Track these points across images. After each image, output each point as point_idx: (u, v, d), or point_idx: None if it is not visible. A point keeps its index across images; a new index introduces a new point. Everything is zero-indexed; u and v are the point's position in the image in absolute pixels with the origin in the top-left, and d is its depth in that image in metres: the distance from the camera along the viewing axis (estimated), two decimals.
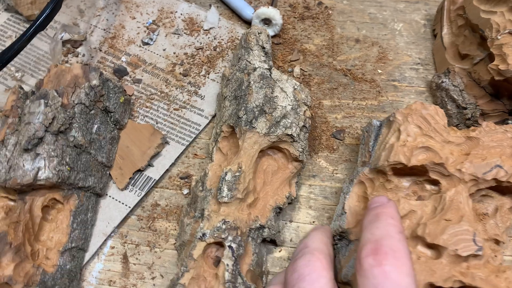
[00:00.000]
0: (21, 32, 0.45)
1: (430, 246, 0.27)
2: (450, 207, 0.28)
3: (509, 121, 0.35)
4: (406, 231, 0.28)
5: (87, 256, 0.34)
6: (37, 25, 0.36)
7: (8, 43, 0.44)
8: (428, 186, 0.30)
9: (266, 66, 0.37)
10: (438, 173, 0.29)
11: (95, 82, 0.36)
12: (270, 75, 0.36)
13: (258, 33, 0.39)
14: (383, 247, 0.23)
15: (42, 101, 0.34)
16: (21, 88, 0.36)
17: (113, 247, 0.34)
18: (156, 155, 0.38)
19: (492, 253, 0.28)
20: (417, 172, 0.30)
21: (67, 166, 0.33)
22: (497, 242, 0.29)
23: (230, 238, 0.30)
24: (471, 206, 0.28)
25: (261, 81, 0.35)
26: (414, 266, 0.24)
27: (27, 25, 0.45)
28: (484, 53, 0.36)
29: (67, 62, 0.43)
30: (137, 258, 0.34)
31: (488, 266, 0.26)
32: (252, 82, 0.35)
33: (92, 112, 0.36)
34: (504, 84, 0.34)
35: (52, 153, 0.32)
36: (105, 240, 0.34)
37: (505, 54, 0.33)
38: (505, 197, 0.30)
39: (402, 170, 0.30)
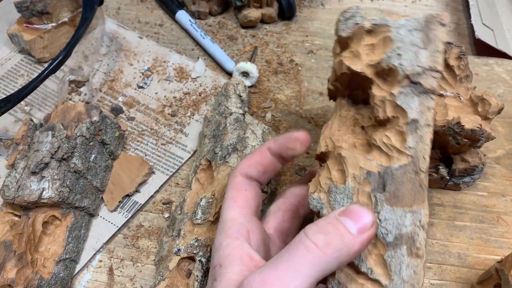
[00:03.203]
0: (32, 72, 0.52)
1: None
2: None
3: (440, 167, 0.43)
4: None
5: (78, 267, 0.39)
6: (51, 69, 0.42)
7: (20, 80, 0.51)
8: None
9: (241, 111, 0.44)
10: None
11: (95, 118, 0.43)
12: (244, 119, 0.43)
13: (236, 84, 0.46)
14: None
15: (50, 132, 0.40)
16: (31, 120, 0.43)
17: (101, 261, 0.40)
18: (143, 182, 0.44)
19: None
20: None
21: (67, 188, 0.39)
22: None
23: (201, 253, 0.35)
24: None
25: (236, 124, 0.42)
26: None
27: (38, 66, 0.53)
28: None
29: (70, 99, 0.50)
30: (121, 271, 0.39)
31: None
32: (228, 124, 0.42)
33: (91, 143, 0.42)
34: (435, 136, 0.41)
35: (56, 177, 0.38)
36: (94, 254, 0.40)
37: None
38: None
39: None
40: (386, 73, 0.28)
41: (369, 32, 0.29)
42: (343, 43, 0.31)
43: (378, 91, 0.29)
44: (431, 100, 0.28)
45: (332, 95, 0.35)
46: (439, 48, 0.28)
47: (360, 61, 0.29)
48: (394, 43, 0.28)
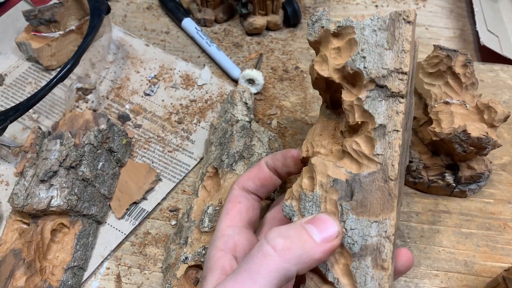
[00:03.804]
0: (40, 79, 0.52)
1: None
2: None
3: (446, 174, 0.43)
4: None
5: (86, 274, 0.39)
6: (59, 77, 0.43)
7: (28, 88, 0.52)
8: None
9: (247, 119, 0.44)
10: None
11: (103, 126, 0.43)
12: (250, 127, 0.44)
13: (242, 92, 0.46)
14: None
15: (58, 140, 0.40)
16: (40, 128, 0.43)
17: (108, 268, 0.40)
18: (150, 190, 0.44)
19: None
20: None
21: (75, 196, 0.39)
22: None
23: None
24: None
25: (242, 132, 0.43)
26: None
27: (46, 74, 0.53)
28: (427, 117, 0.44)
29: (78, 107, 0.50)
30: (128, 278, 0.39)
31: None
32: (234, 132, 0.42)
33: (99, 151, 0.42)
34: (441, 143, 0.41)
35: (64, 185, 0.39)
36: (102, 261, 0.40)
37: (440, 120, 0.41)
38: None
39: None
40: (352, 77, 0.28)
41: (336, 35, 0.28)
42: (315, 48, 0.30)
43: (347, 96, 0.28)
44: (399, 103, 0.27)
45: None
46: (404, 48, 0.26)
47: (328, 65, 0.29)
48: (359, 45, 0.27)
